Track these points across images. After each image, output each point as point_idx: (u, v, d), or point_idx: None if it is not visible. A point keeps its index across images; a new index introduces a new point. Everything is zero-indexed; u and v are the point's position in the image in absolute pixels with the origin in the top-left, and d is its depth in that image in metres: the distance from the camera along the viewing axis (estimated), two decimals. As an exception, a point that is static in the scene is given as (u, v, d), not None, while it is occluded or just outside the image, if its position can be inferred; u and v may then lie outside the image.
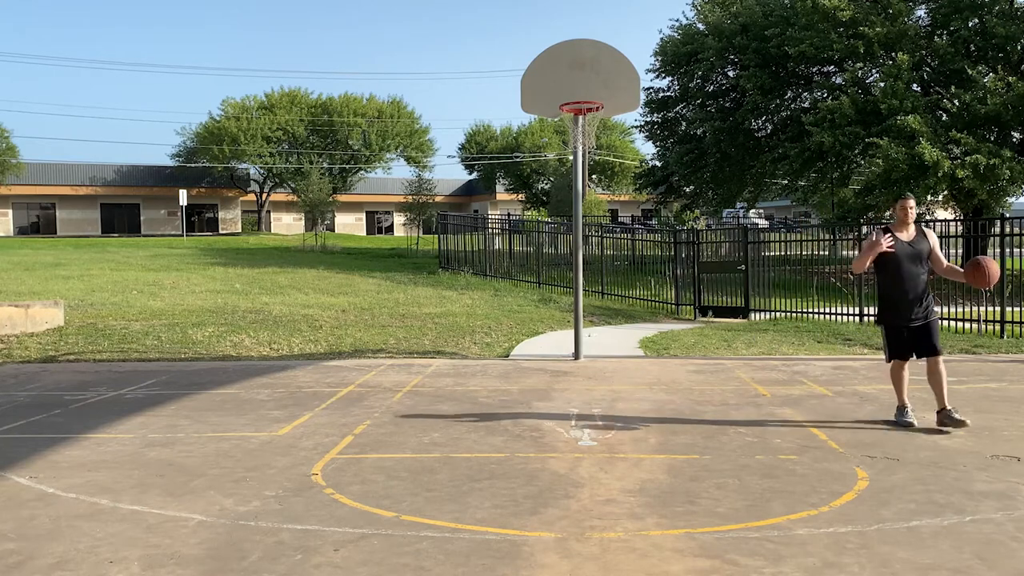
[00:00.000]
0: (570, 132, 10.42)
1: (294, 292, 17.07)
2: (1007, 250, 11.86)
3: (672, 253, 15.93)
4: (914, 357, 6.14)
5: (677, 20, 29.39)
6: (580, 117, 9.93)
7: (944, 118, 18.86)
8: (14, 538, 3.97)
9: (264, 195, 50.01)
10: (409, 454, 5.49)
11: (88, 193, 47.37)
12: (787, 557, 3.63)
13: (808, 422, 6.33)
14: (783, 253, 16.74)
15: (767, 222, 42.80)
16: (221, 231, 49.10)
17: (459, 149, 54.60)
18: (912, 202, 6.21)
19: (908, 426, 6.07)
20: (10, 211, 46.43)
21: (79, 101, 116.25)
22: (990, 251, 14.14)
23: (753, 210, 40.18)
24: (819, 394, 7.50)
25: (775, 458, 5.29)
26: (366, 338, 11.57)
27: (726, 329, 12.59)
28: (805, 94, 24.13)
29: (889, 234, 6.08)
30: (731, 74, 24.54)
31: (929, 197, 21.65)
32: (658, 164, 28.34)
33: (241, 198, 51.60)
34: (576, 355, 9.95)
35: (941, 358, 6.02)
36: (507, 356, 10.32)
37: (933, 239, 6.19)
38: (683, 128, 26.55)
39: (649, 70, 26.31)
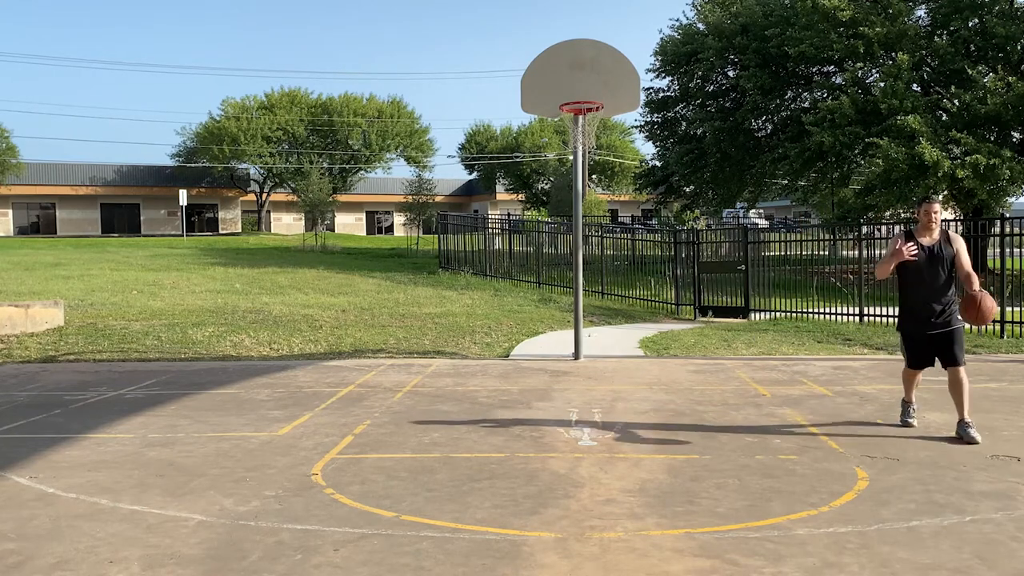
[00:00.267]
0: (570, 132, 10.42)
1: (294, 292, 17.07)
2: (1007, 250, 11.85)
3: (672, 253, 15.93)
4: (938, 365, 5.93)
5: (677, 20, 29.41)
6: (580, 117, 9.93)
7: (944, 118, 18.86)
8: (14, 538, 3.97)
9: (264, 195, 50.02)
10: (409, 454, 5.49)
11: (88, 193, 47.38)
12: (787, 557, 3.63)
13: (808, 422, 6.33)
14: (783, 253, 16.74)
15: (767, 222, 42.81)
16: (221, 231, 49.11)
17: (459, 149, 54.62)
18: (937, 206, 5.90)
19: (906, 426, 6.06)
20: (10, 211, 46.44)
21: (79, 101, 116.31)
22: (990, 251, 14.15)
23: (753, 210, 40.17)
24: (819, 394, 7.50)
25: (775, 458, 5.29)
26: (366, 338, 11.57)
27: (726, 329, 12.59)
28: (805, 94, 24.13)
29: (912, 241, 5.84)
30: (731, 74, 24.53)
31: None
32: (658, 164, 28.33)
33: (241, 198, 51.61)
34: (576, 355, 9.95)
35: (963, 369, 5.76)
36: (507, 356, 10.32)
37: (958, 244, 5.84)
38: (683, 128, 26.55)
39: (649, 70, 26.32)
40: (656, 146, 28.33)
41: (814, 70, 23.11)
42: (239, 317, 13.30)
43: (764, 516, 4.18)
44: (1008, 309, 11.61)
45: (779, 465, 5.13)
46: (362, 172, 51.10)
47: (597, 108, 9.83)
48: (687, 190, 28.36)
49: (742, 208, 37.55)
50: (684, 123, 26.57)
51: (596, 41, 9.74)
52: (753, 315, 14.14)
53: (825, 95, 21.84)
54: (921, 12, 21.15)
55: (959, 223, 17.09)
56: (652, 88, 26.73)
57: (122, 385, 8.34)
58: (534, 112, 10.80)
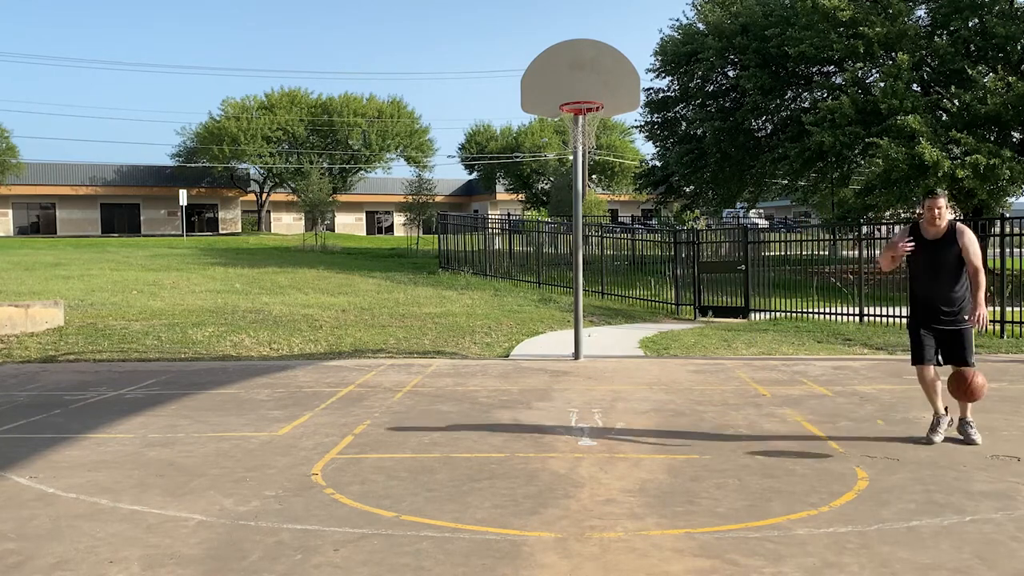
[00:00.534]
0: (570, 132, 10.42)
1: (294, 292, 17.07)
2: (1007, 250, 11.85)
3: (672, 253, 15.93)
4: (942, 364, 5.69)
5: (677, 20, 29.42)
6: (580, 117, 9.93)
7: (944, 118, 18.85)
8: (14, 538, 3.97)
9: (264, 195, 50.02)
10: (409, 454, 5.49)
11: (88, 193, 47.38)
12: (787, 557, 3.63)
13: (808, 422, 6.33)
14: (783, 253, 16.74)
15: (767, 222, 42.81)
16: (221, 231, 49.11)
17: (459, 149, 54.62)
18: (941, 201, 5.67)
19: (928, 443, 5.58)
20: (10, 211, 46.44)
21: (79, 101, 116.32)
22: (990, 251, 14.14)
23: (753, 210, 40.17)
24: (819, 394, 7.50)
25: (775, 458, 5.29)
26: (366, 338, 11.57)
27: (726, 329, 12.59)
28: (805, 94, 24.12)
29: (916, 234, 5.72)
30: (731, 74, 24.52)
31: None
32: (658, 164, 28.33)
33: (241, 198, 51.61)
34: (576, 355, 9.95)
35: (971, 370, 5.53)
36: (507, 356, 10.32)
37: (965, 239, 5.60)
38: (683, 128, 26.54)
39: (649, 70, 26.31)
40: (656, 146, 28.34)
41: (814, 70, 23.10)
42: (239, 317, 13.31)
43: (764, 516, 4.18)
44: (1008, 309, 11.61)
45: (779, 465, 5.13)
46: (362, 172, 51.10)
47: (597, 108, 9.83)
48: (687, 190, 28.36)
49: (742, 208, 37.55)
50: (684, 123, 26.56)
51: (596, 41, 9.74)
52: (753, 315, 14.14)
53: (825, 95, 21.83)
54: (921, 12, 21.15)
55: (959, 223, 17.06)
56: (652, 88, 26.74)
57: (122, 385, 8.34)
58: (534, 112, 10.80)
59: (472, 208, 54.90)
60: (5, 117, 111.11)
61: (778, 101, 23.60)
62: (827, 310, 13.50)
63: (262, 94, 49.89)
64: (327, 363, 9.73)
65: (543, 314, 14.17)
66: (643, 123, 27.51)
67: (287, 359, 10.13)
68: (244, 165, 48.11)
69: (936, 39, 19.90)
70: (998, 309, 11.59)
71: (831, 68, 22.62)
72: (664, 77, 26.08)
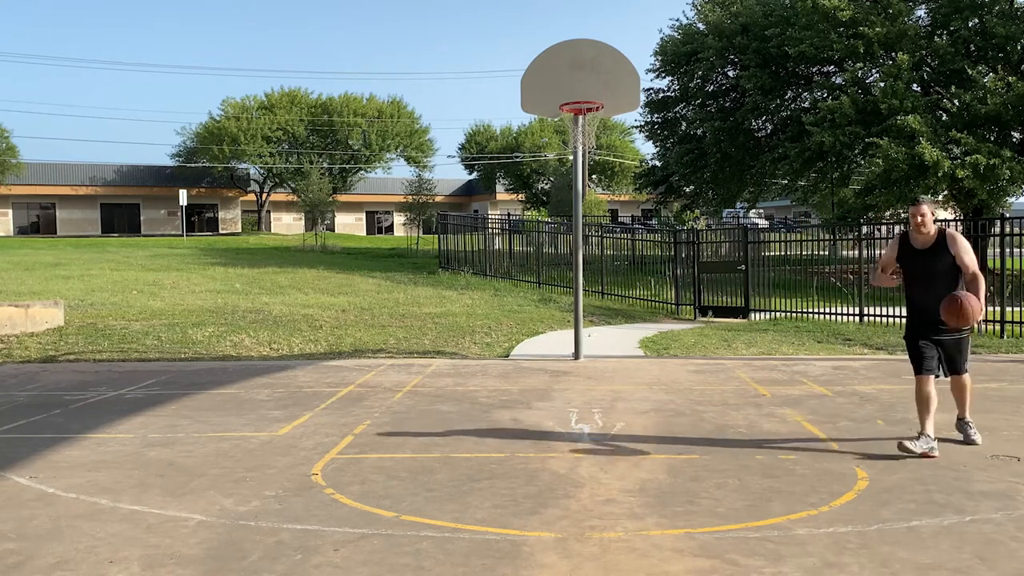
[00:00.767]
0: (570, 132, 10.42)
1: (294, 292, 17.07)
2: (1007, 250, 11.85)
3: (672, 253, 15.93)
4: (947, 376, 5.54)
5: (677, 20, 29.44)
6: (580, 117, 9.93)
7: (944, 118, 18.86)
8: (14, 538, 3.97)
9: (264, 195, 50.02)
10: (409, 454, 5.49)
11: (88, 193, 47.38)
12: (787, 557, 3.63)
13: (808, 422, 6.33)
14: (783, 253, 16.74)
15: (767, 222, 42.81)
16: (221, 231, 49.10)
17: (459, 149, 54.63)
18: (924, 208, 5.44)
19: (901, 447, 5.21)
20: (10, 211, 46.44)
21: (79, 101, 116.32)
22: (990, 251, 14.14)
23: (753, 210, 40.18)
24: (819, 394, 7.50)
25: (775, 458, 5.29)
26: (366, 338, 11.57)
27: (726, 329, 12.59)
28: (805, 94, 24.12)
29: (906, 244, 5.53)
30: (731, 74, 24.53)
31: (929, 197, 21.64)
32: (658, 164, 28.34)
33: (241, 198, 51.61)
34: (576, 355, 9.95)
35: (965, 377, 5.53)
36: (507, 356, 10.32)
37: (956, 247, 5.36)
38: (683, 128, 26.54)
39: (649, 70, 26.31)
40: (656, 146, 28.34)
41: (814, 70, 23.10)
42: (239, 317, 13.31)
43: (764, 516, 4.18)
44: (1008, 309, 11.61)
45: (779, 465, 5.13)
46: (362, 172, 51.10)
47: (597, 108, 9.83)
48: (687, 190, 28.37)
49: (742, 208, 37.55)
50: (684, 123, 26.56)
51: (596, 41, 9.74)
52: (753, 315, 14.14)
53: (825, 95, 21.83)
54: (921, 12, 21.15)
55: (959, 223, 17.09)
56: (652, 88, 26.75)
57: (122, 385, 8.34)
58: (534, 112, 10.80)
59: (472, 208, 54.90)
60: (5, 117, 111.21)
61: (778, 101, 23.60)
62: (827, 310, 13.50)
63: (262, 94, 49.95)
64: (327, 363, 9.73)
65: (543, 314, 14.17)
66: (643, 123, 27.52)
67: (287, 359, 10.13)
68: (244, 165, 48.12)
69: (936, 39, 19.90)
70: (998, 309, 11.59)
71: (831, 68, 22.63)
72: (664, 77, 26.09)
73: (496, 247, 21.44)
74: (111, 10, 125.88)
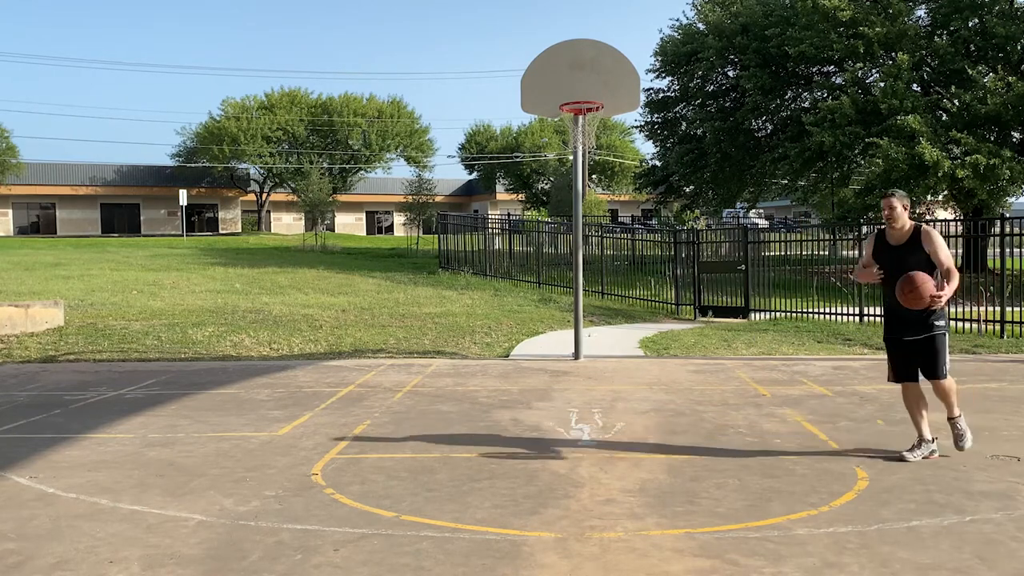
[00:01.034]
0: (570, 132, 10.42)
1: (294, 292, 17.07)
2: (1007, 250, 11.86)
3: (672, 253, 15.93)
4: (922, 379, 5.35)
5: (677, 20, 29.43)
6: (580, 117, 9.93)
7: (944, 118, 18.86)
8: (14, 538, 3.97)
9: (264, 195, 50.02)
10: (409, 454, 5.49)
11: (88, 193, 47.37)
12: (787, 557, 3.63)
13: (808, 422, 6.33)
14: (783, 253, 16.74)
15: (767, 222, 42.80)
16: (221, 231, 49.10)
17: (459, 149, 54.61)
18: (893, 201, 5.23)
19: (899, 459, 5.19)
20: (10, 211, 46.43)
21: (79, 101, 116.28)
22: (990, 251, 14.14)
23: (753, 210, 40.18)
24: (819, 394, 7.50)
25: (775, 458, 5.29)
26: (366, 338, 11.57)
27: (726, 329, 12.59)
28: (805, 94, 24.13)
29: (882, 241, 5.35)
30: (731, 74, 24.53)
31: (929, 197, 21.65)
32: (658, 164, 28.34)
33: (241, 198, 51.61)
34: (576, 355, 9.95)
35: (945, 382, 5.22)
36: (507, 356, 10.32)
37: (931, 243, 5.17)
38: (683, 128, 26.55)
39: (649, 70, 26.32)
40: (656, 146, 28.35)
41: (814, 70, 23.11)
42: (239, 317, 13.31)
43: (764, 516, 4.18)
44: (1008, 309, 11.61)
45: (779, 465, 5.13)
46: (362, 172, 51.09)
47: (597, 108, 9.83)
48: (687, 190, 28.37)
49: (742, 208, 37.56)
50: (684, 123, 26.57)
51: (596, 41, 9.74)
52: (753, 315, 14.14)
53: (825, 95, 21.83)
54: (921, 12, 21.16)
55: (959, 223, 17.10)
56: (652, 88, 26.75)
57: (122, 385, 8.34)
58: (534, 112, 10.80)
59: (472, 208, 54.89)
60: (5, 117, 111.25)
61: (778, 101, 23.60)
62: (827, 310, 13.50)
63: (262, 94, 49.92)
64: (327, 363, 9.73)
65: (543, 314, 14.17)
66: (643, 123, 27.53)
67: (287, 359, 10.13)
68: (244, 165, 48.10)
69: (936, 39, 19.90)
70: (998, 309, 11.59)
71: (831, 68, 22.63)
72: (664, 77, 26.10)
73: (496, 247, 21.43)
74: (111, 10, 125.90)
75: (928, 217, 23.74)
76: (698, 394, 7.54)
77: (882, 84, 19.28)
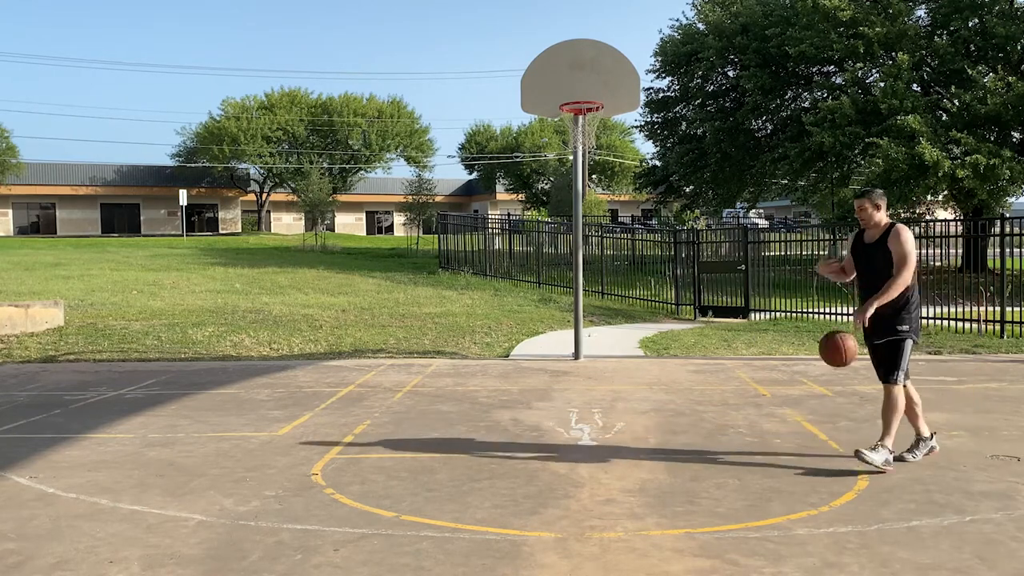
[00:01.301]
0: (570, 132, 10.42)
1: (294, 292, 17.07)
2: (1007, 250, 11.85)
3: (672, 253, 15.93)
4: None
5: (677, 20, 29.42)
6: (580, 117, 9.93)
7: (944, 118, 18.86)
8: (14, 538, 3.97)
9: (264, 195, 50.02)
10: (409, 454, 5.49)
11: (88, 193, 47.37)
12: (787, 557, 3.63)
13: (808, 422, 6.33)
14: (783, 253, 16.74)
15: (767, 222, 42.80)
16: (221, 231, 49.10)
17: (459, 149, 54.62)
18: (863, 202, 5.11)
19: (899, 459, 5.12)
20: (10, 211, 46.43)
21: (79, 101, 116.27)
22: (990, 251, 14.13)
23: (753, 210, 40.19)
24: (819, 394, 7.50)
25: (775, 458, 5.29)
26: (366, 338, 11.57)
27: (726, 329, 12.59)
28: (805, 94, 24.13)
29: (858, 239, 5.24)
30: (731, 74, 24.53)
31: (929, 197, 21.66)
32: (658, 164, 28.34)
33: (241, 198, 51.60)
34: (576, 355, 9.95)
35: (895, 388, 4.96)
36: (507, 356, 10.32)
37: (897, 243, 4.96)
38: (683, 128, 26.55)
39: (649, 70, 26.33)
40: (656, 146, 28.35)
41: (814, 70, 23.10)
42: (239, 317, 13.30)
43: (764, 516, 4.18)
44: (1008, 309, 11.61)
45: (779, 465, 5.13)
46: (362, 172, 51.09)
47: (597, 108, 9.83)
48: (687, 190, 28.37)
49: (742, 208, 37.56)
50: (684, 123, 26.57)
51: (596, 41, 9.74)
52: (753, 315, 14.14)
53: (825, 95, 21.83)
54: (921, 12, 21.16)
55: (959, 223, 17.09)
56: (652, 88, 26.75)
57: (122, 385, 8.34)
58: (534, 112, 10.80)
59: (472, 208, 54.90)
60: (5, 117, 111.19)
61: (778, 101, 23.60)
62: (827, 310, 13.50)
63: (262, 94, 49.92)
64: (327, 363, 9.73)
65: (543, 314, 14.17)
66: (643, 123, 27.53)
67: (287, 359, 10.13)
68: (244, 165, 48.10)
69: (936, 39, 19.90)
70: (998, 309, 11.59)
71: (831, 68, 22.63)
72: (664, 77, 26.10)
73: (496, 247, 21.43)
74: (111, 10, 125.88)
75: (928, 217, 23.75)
76: (698, 394, 7.54)
77: (882, 84, 19.28)
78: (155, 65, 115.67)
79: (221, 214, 51.04)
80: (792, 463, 5.16)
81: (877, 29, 19.14)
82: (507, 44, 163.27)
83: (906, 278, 4.93)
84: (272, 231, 49.93)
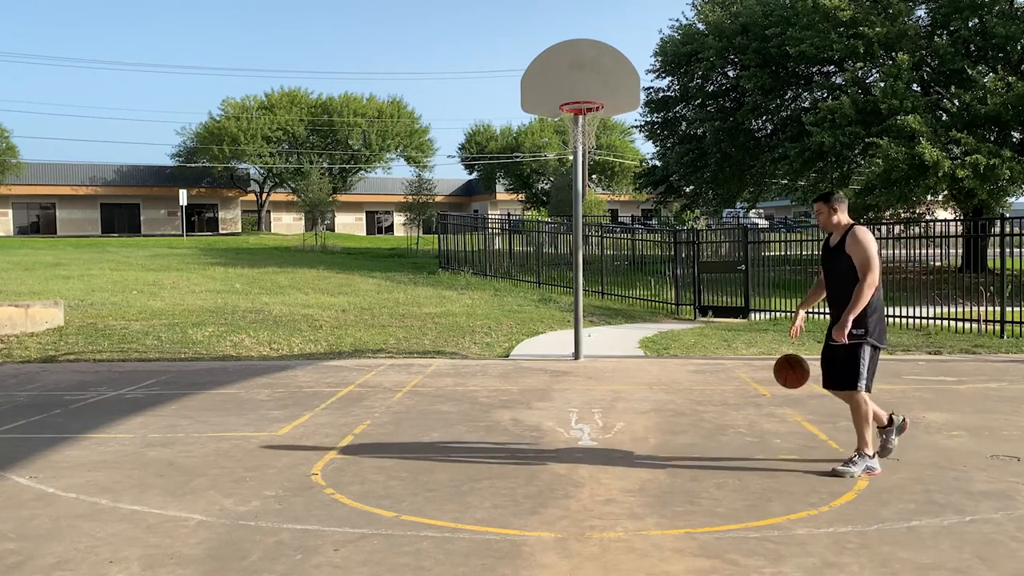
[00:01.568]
0: (570, 132, 10.42)
1: (294, 292, 17.07)
2: (1007, 250, 11.85)
3: (672, 253, 15.93)
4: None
5: (677, 20, 29.38)
6: (580, 117, 9.93)
7: (944, 118, 18.85)
8: (14, 538, 3.97)
9: (264, 195, 50.02)
10: (409, 454, 5.49)
11: (88, 193, 47.37)
12: (787, 557, 3.63)
13: (808, 422, 6.33)
14: (783, 253, 16.74)
15: (767, 222, 42.80)
16: (221, 231, 49.10)
17: (459, 149, 54.62)
18: (820, 205, 5.05)
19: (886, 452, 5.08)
20: (10, 211, 46.43)
21: (79, 101, 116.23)
22: (990, 251, 14.12)
23: (753, 210, 40.18)
24: (819, 394, 7.49)
25: (775, 458, 5.29)
26: (366, 338, 11.57)
27: (726, 329, 12.60)
28: (805, 94, 24.11)
29: (827, 242, 5.14)
30: (731, 74, 24.52)
31: (929, 197, 21.65)
32: (658, 164, 28.33)
33: (241, 198, 51.61)
34: (576, 355, 9.95)
35: (858, 396, 4.83)
36: (507, 356, 10.32)
37: (856, 246, 4.85)
38: (683, 128, 26.53)
39: (649, 70, 26.30)
40: (656, 146, 28.33)
41: (814, 70, 23.09)
42: (239, 317, 13.31)
43: (764, 516, 4.18)
44: (1008, 309, 11.61)
45: (779, 465, 5.13)
46: (362, 172, 51.09)
47: (597, 108, 9.83)
48: (687, 190, 28.35)
49: (742, 208, 37.55)
50: (684, 123, 26.55)
51: (596, 41, 9.74)
52: (753, 315, 14.13)
53: (825, 95, 21.83)
54: (921, 12, 21.15)
55: (959, 223, 17.08)
56: (652, 88, 26.73)
57: (122, 385, 8.34)
58: (534, 112, 10.80)
59: (472, 208, 54.90)
60: (5, 117, 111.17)
61: (778, 101, 23.59)
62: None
63: (262, 94, 49.90)
64: (327, 363, 9.73)
65: (543, 314, 14.17)
66: (643, 123, 27.51)
67: (287, 359, 10.13)
68: (244, 165, 48.10)
69: (936, 39, 19.89)
70: (998, 309, 11.59)
71: (831, 68, 22.62)
72: (664, 77, 26.08)
73: (496, 247, 21.44)
74: (111, 10, 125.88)
75: (928, 217, 23.75)
76: (698, 394, 7.54)
77: (882, 84, 19.27)
78: (155, 65, 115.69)
79: (221, 214, 51.04)
80: (792, 463, 5.16)
81: (877, 29, 19.13)
82: (507, 44, 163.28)
83: (872, 281, 4.79)
84: (272, 231, 49.93)
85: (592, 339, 11.41)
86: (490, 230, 21.72)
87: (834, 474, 4.82)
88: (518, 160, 48.92)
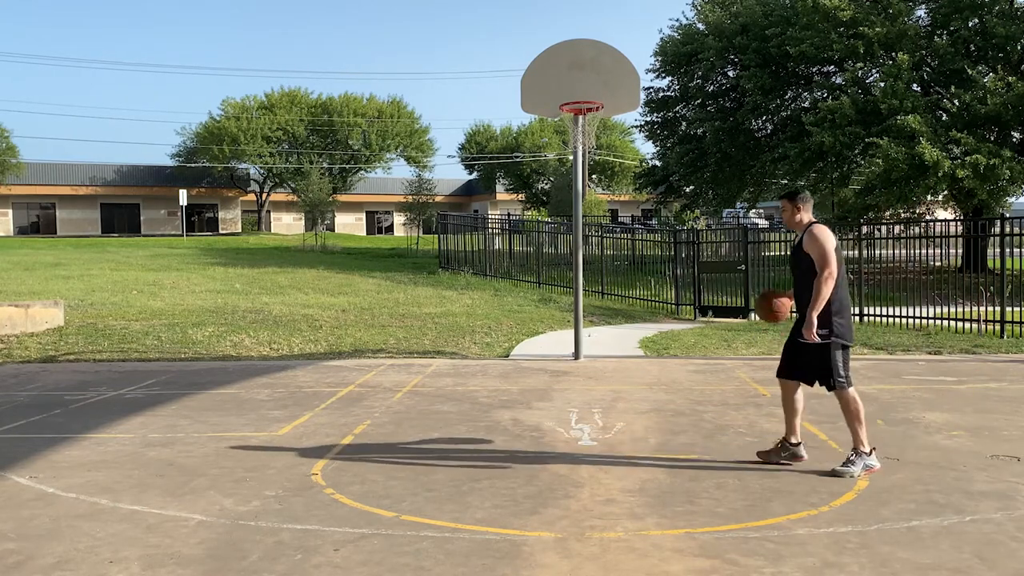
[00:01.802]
0: (570, 132, 10.42)
1: (294, 292, 17.07)
2: (1007, 250, 11.85)
3: (672, 253, 15.93)
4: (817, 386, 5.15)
5: (677, 20, 29.38)
6: (580, 117, 9.93)
7: (944, 118, 18.85)
8: (14, 538, 3.97)
9: (264, 195, 50.02)
10: (409, 454, 5.49)
11: (88, 193, 47.37)
12: (787, 557, 3.63)
13: (808, 422, 6.33)
14: (783, 253, 16.74)
15: (767, 222, 42.80)
16: (221, 231, 49.10)
17: (459, 149, 54.65)
18: (784, 202, 5.14)
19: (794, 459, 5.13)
20: (10, 211, 46.44)
21: (79, 101, 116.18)
22: (990, 251, 14.12)
23: (753, 210, 40.17)
24: (819, 394, 7.48)
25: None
26: (366, 338, 11.57)
27: (726, 329, 12.60)
28: (805, 94, 24.12)
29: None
30: (731, 74, 24.52)
31: (929, 197, 21.65)
32: (658, 164, 28.33)
33: (241, 198, 51.61)
34: (576, 355, 9.95)
35: (844, 393, 4.92)
36: (507, 356, 10.32)
37: (813, 243, 4.90)
38: (683, 128, 26.53)
39: (649, 70, 26.31)
40: (656, 146, 28.33)
41: (814, 70, 23.10)
42: (239, 317, 13.31)
43: (764, 516, 4.18)
44: (1008, 309, 11.61)
45: (779, 465, 5.12)
46: (362, 172, 51.10)
47: (597, 108, 9.83)
48: (687, 190, 28.35)
49: (742, 208, 37.54)
50: (684, 123, 26.55)
51: (596, 41, 9.74)
52: (753, 315, 14.13)
53: (825, 95, 21.83)
54: (921, 12, 21.15)
55: (959, 223, 17.07)
56: (652, 88, 26.73)
57: (122, 385, 8.34)
58: (534, 112, 10.80)
59: (472, 208, 54.90)
60: (5, 117, 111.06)
61: (778, 101, 23.59)
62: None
63: (262, 94, 49.94)
64: (327, 363, 9.73)
65: (543, 314, 14.17)
66: (643, 123, 27.51)
67: (287, 359, 10.13)
68: (244, 165, 48.10)
69: (936, 39, 19.89)
70: (998, 309, 11.59)
71: (831, 68, 22.62)
72: (664, 77, 26.08)
73: (496, 247, 21.44)
74: (111, 10, 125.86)
75: (928, 217, 23.75)
76: (698, 394, 7.54)
77: (882, 84, 19.27)
78: (155, 65, 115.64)
79: (221, 214, 51.05)
80: (792, 463, 5.16)
81: (877, 29, 19.13)
82: (507, 44, 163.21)
83: (830, 273, 4.81)
84: (272, 231, 49.93)
85: (592, 339, 11.41)
86: (490, 230, 21.72)
87: (834, 474, 4.85)
88: (518, 160, 48.93)
